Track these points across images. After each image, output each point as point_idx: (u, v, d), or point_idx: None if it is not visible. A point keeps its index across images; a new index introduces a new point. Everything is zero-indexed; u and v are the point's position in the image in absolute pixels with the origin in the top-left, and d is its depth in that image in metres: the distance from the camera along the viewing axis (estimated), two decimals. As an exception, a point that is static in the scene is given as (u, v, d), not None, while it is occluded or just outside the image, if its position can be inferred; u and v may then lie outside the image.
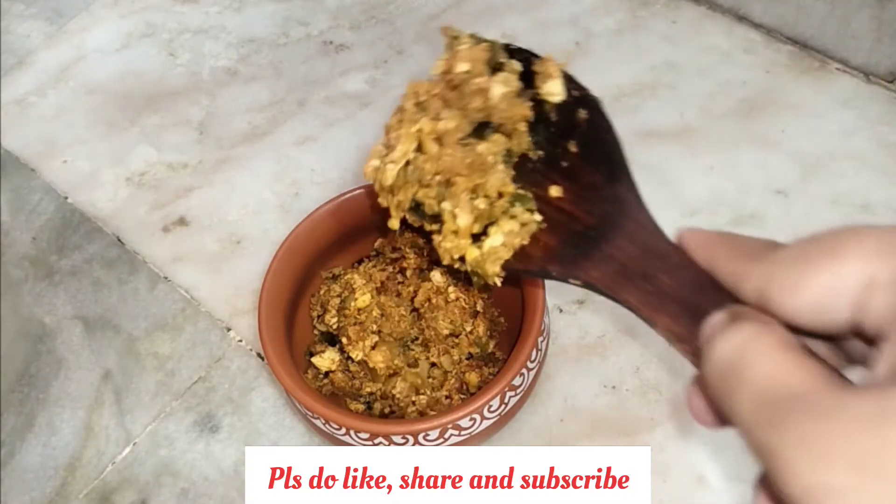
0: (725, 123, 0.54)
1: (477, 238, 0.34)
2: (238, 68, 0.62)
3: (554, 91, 0.33)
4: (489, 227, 0.34)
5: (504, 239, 0.33)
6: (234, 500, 0.45)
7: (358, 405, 0.44)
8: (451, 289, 0.43)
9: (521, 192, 0.34)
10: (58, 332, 0.51)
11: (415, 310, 0.44)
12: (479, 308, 0.44)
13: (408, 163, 0.35)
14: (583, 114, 0.33)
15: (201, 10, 0.66)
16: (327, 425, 0.39)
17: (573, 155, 0.33)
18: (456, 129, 0.34)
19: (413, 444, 0.39)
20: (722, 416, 0.23)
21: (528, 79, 0.34)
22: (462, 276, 0.45)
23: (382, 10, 0.63)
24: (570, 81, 0.34)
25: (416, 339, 0.44)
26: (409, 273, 0.45)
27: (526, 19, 0.61)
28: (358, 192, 0.45)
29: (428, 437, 0.38)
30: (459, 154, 0.34)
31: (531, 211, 0.33)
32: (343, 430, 0.39)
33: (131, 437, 0.47)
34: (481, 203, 0.34)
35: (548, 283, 0.41)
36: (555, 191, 0.33)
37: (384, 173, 0.35)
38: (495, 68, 0.34)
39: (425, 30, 0.61)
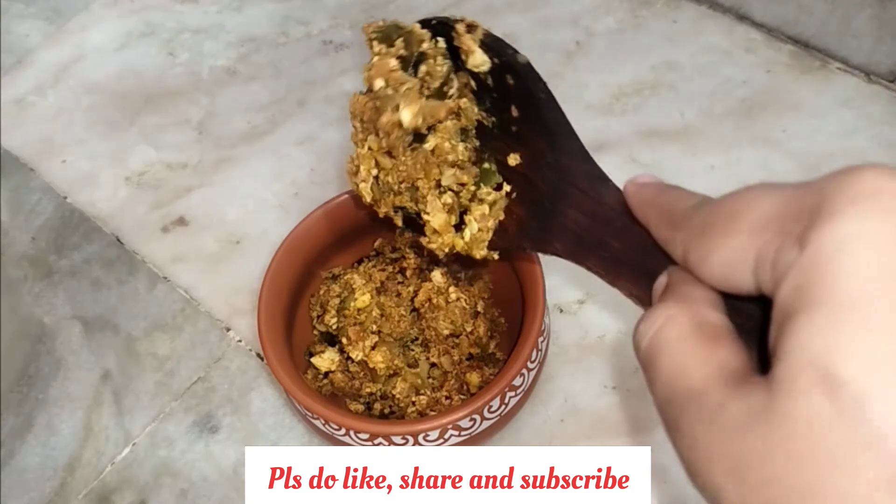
0: (726, 123, 0.54)
1: (459, 226, 0.35)
2: (237, 68, 0.62)
3: (477, 63, 0.33)
4: (464, 215, 0.35)
5: (479, 224, 0.34)
6: (233, 500, 0.44)
7: (358, 405, 0.43)
8: (451, 289, 0.43)
9: (486, 166, 0.34)
10: (57, 333, 0.51)
11: (415, 310, 0.44)
12: (479, 308, 0.44)
13: (377, 177, 0.36)
14: (510, 80, 0.32)
15: (201, 10, 0.66)
16: (327, 426, 0.39)
17: (517, 119, 0.32)
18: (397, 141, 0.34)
19: (413, 445, 0.39)
20: None
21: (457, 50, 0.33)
22: (463, 278, 0.45)
23: (382, 9, 0.63)
24: (491, 48, 0.32)
25: (416, 339, 0.44)
26: (409, 273, 0.45)
27: (526, 18, 0.61)
28: (358, 191, 0.45)
29: (428, 438, 0.38)
30: (410, 160, 0.34)
31: (499, 185, 0.33)
32: (343, 431, 0.39)
33: (130, 438, 0.47)
34: (448, 198, 0.34)
35: (548, 283, 0.41)
36: (513, 159, 0.33)
37: (360, 192, 0.37)
38: (418, 61, 0.34)
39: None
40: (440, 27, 0.34)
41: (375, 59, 0.34)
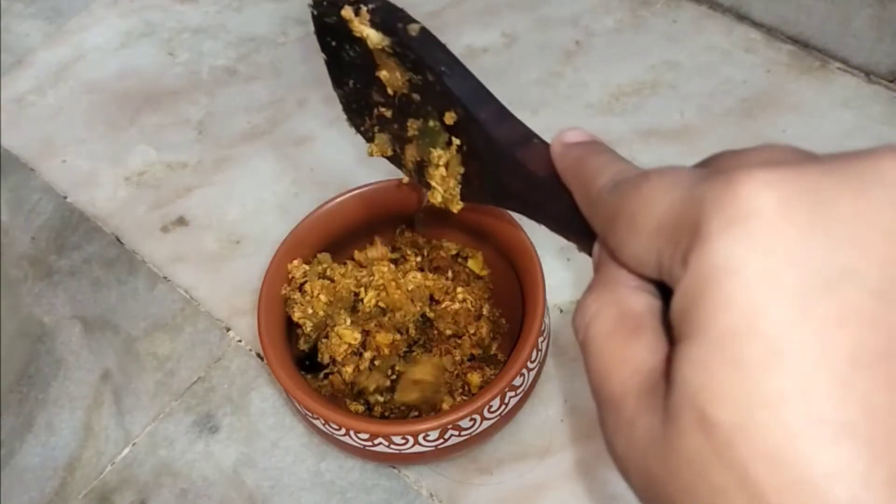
0: (726, 123, 0.54)
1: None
2: (237, 68, 0.62)
3: (376, 42, 0.31)
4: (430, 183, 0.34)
5: (442, 186, 0.34)
6: (233, 500, 0.44)
7: (358, 406, 0.43)
8: (458, 289, 0.43)
9: (431, 124, 0.32)
10: (57, 332, 0.51)
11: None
12: (484, 311, 0.44)
13: None
14: (410, 54, 0.31)
15: (200, 10, 0.66)
16: (327, 426, 0.39)
17: (436, 82, 0.31)
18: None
19: (413, 445, 0.39)
20: None
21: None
22: (465, 278, 0.45)
23: (382, 9, 0.63)
24: (381, 26, 0.31)
25: (417, 340, 0.44)
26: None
27: (526, 18, 0.61)
28: (357, 191, 0.45)
29: (428, 438, 0.38)
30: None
31: (447, 142, 0.32)
32: (343, 431, 0.39)
33: (130, 438, 0.47)
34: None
35: (548, 283, 0.41)
36: (449, 118, 0.31)
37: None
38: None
39: (425, 29, 0.61)
40: (330, 7, 0.32)
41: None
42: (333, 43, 0.34)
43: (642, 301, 0.20)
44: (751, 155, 0.18)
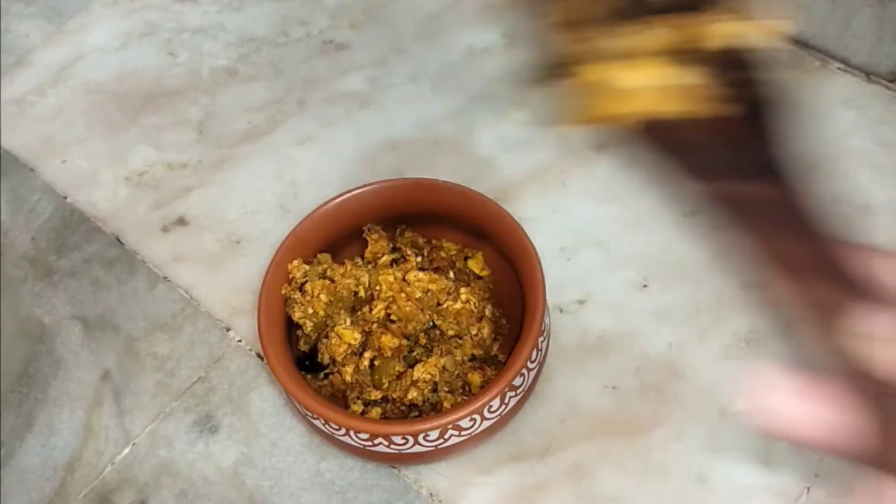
0: (726, 123, 0.54)
1: None
2: (237, 68, 0.62)
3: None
4: None
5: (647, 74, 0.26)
6: (233, 500, 0.44)
7: (358, 406, 0.43)
8: (461, 290, 0.43)
9: None
10: (57, 332, 0.51)
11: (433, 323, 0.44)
12: (486, 312, 0.44)
13: None
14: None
15: (200, 10, 0.66)
16: (327, 426, 0.39)
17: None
18: None
19: (413, 445, 0.39)
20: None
21: None
22: (465, 278, 0.45)
23: (382, 9, 0.63)
24: None
25: (417, 341, 0.44)
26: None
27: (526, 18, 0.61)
28: (357, 191, 0.45)
29: (428, 438, 0.38)
30: None
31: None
32: (343, 431, 0.39)
33: (130, 438, 0.47)
34: None
35: (548, 283, 0.41)
36: None
37: None
38: None
39: (425, 29, 0.61)
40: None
41: None
42: None
43: None
44: None
